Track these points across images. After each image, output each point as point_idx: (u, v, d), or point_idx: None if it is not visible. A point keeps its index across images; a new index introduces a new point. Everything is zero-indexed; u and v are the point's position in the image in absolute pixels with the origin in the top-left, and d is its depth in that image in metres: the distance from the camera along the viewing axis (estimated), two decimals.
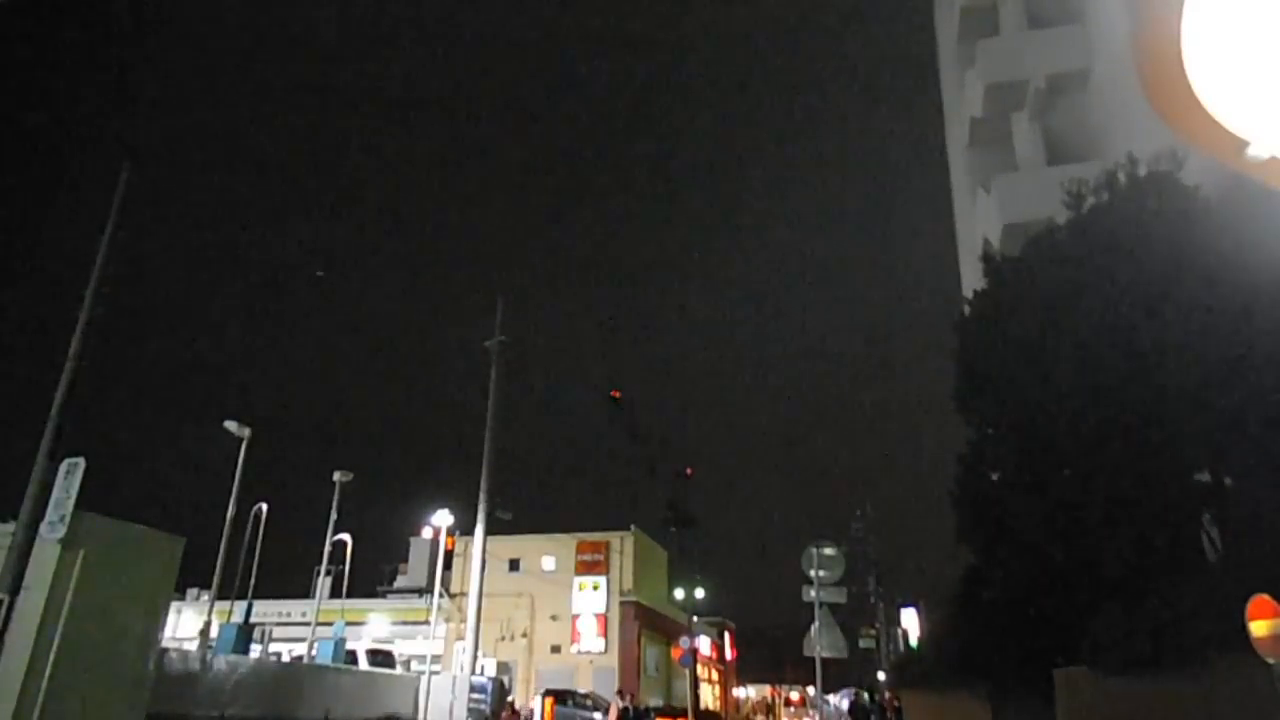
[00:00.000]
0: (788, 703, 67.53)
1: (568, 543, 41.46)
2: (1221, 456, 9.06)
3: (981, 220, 21.63)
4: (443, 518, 28.05)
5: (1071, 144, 20.35)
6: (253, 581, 25.56)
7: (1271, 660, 6.18)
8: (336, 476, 26.63)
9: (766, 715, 51.72)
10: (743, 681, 68.20)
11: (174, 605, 24.39)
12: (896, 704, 31.77)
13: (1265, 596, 6.24)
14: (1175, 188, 10.25)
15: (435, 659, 23.80)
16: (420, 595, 40.49)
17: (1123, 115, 16.93)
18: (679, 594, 39.29)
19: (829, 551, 14.48)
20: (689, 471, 36.26)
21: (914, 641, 38.13)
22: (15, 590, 9.56)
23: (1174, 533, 9.57)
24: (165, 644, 12.26)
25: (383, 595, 45.04)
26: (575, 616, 40.28)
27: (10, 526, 9.99)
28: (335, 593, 31.97)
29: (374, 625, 40.40)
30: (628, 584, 41.00)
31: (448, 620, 36.57)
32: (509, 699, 18.23)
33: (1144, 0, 1.44)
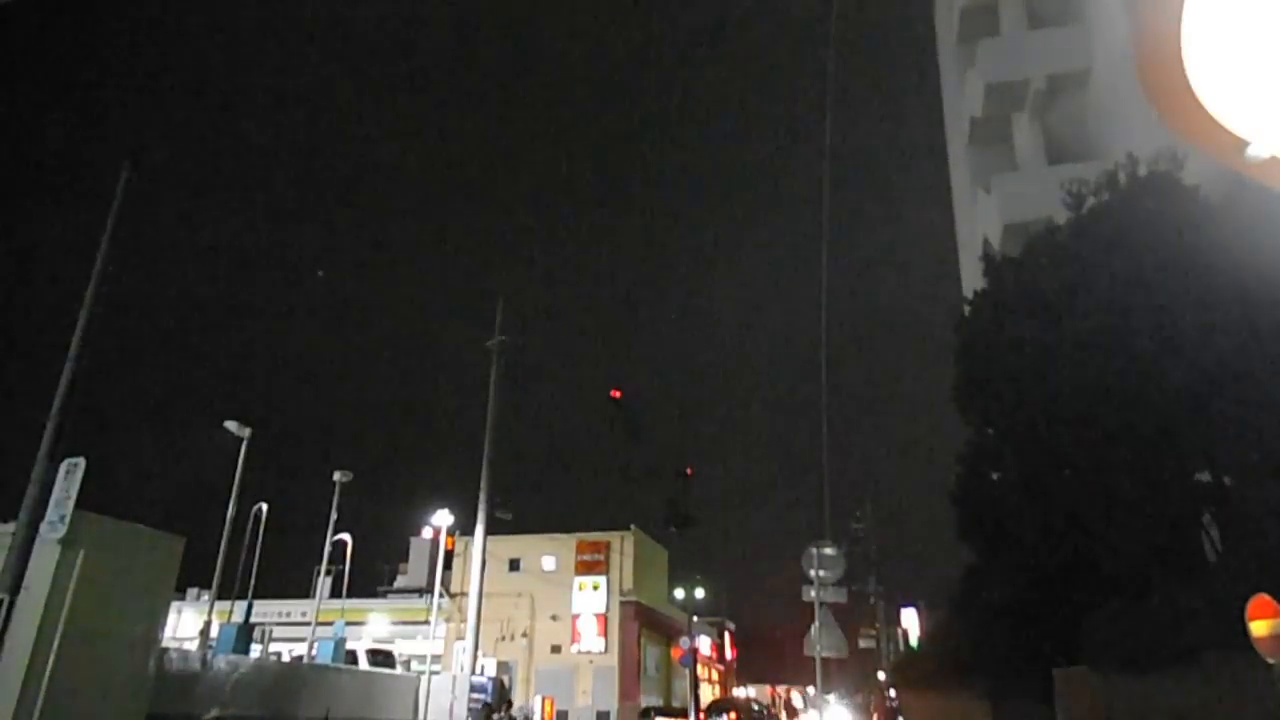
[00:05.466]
0: (787, 705, 67.55)
1: (568, 543, 41.47)
2: (1221, 456, 9.06)
3: (981, 220, 21.63)
4: (443, 518, 28.07)
5: (1071, 144, 20.36)
6: (253, 581, 25.59)
7: (1271, 660, 6.19)
8: (336, 476, 26.66)
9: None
10: (743, 681, 68.20)
11: (174, 605, 24.40)
12: (895, 704, 31.75)
13: (1265, 596, 6.24)
14: (1175, 188, 10.25)
15: (435, 659, 23.80)
16: (420, 595, 40.51)
17: (1123, 115, 16.93)
18: (679, 594, 39.27)
19: (829, 551, 14.49)
20: (689, 471, 36.23)
21: (914, 641, 38.11)
22: (15, 590, 9.56)
23: (1174, 533, 9.57)
24: (165, 644, 12.25)
25: (383, 595, 45.05)
26: (575, 616, 40.28)
27: (10, 526, 9.99)
28: (335, 593, 32.00)
29: (374, 625, 40.41)
30: (628, 584, 41.00)
31: (448, 620, 36.58)
32: None
33: (1144, 0, 1.44)
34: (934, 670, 18.85)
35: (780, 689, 73.43)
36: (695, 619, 35.71)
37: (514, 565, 41.24)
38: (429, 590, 32.53)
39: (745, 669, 67.74)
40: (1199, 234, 9.05)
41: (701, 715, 33.92)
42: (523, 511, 27.76)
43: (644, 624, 41.36)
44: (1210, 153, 1.50)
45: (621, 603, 40.40)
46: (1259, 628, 6.23)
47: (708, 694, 47.54)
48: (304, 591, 37.93)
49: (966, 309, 13.07)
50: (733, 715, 37.81)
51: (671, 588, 42.45)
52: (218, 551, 20.69)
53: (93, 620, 9.89)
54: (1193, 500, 9.61)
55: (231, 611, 24.51)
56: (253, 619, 22.23)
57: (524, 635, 40.08)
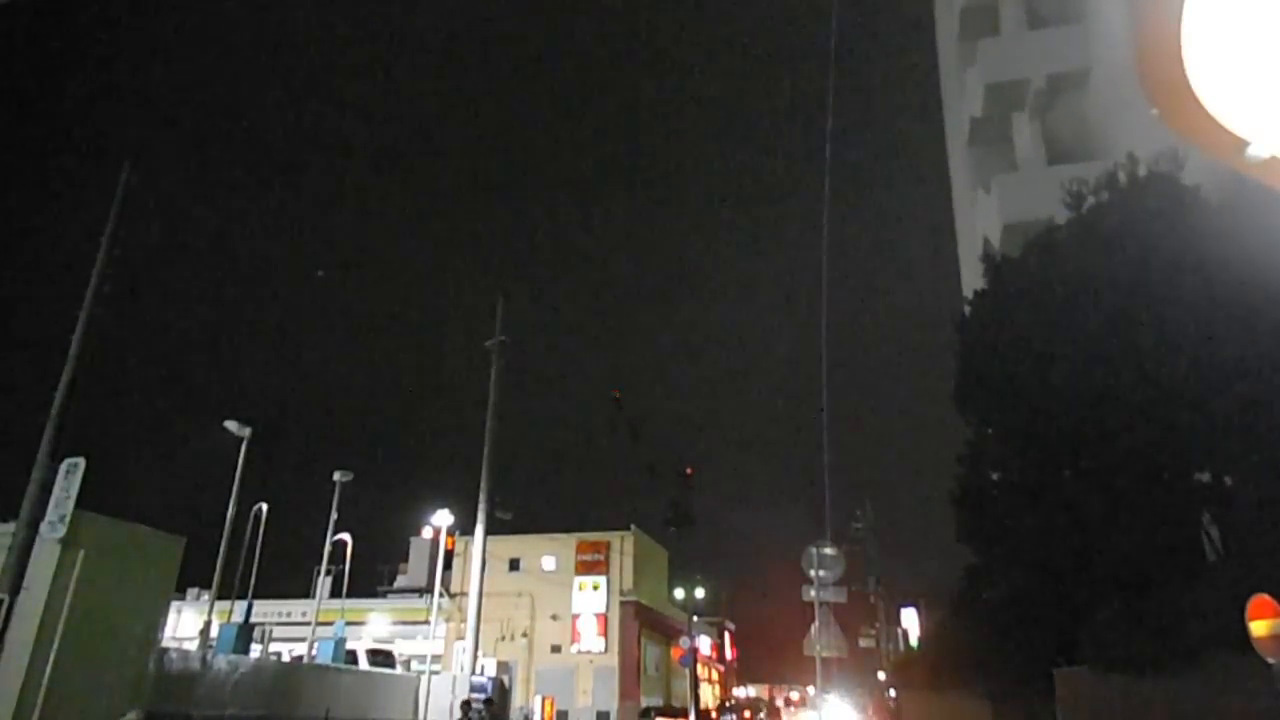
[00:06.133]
0: (787, 702, 67.87)
1: (568, 543, 41.45)
2: (1221, 456, 9.05)
3: (981, 220, 21.63)
4: (443, 518, 28.06)
5: (1071, 144, 20.35)
6: (253, 581, 25.58)
7: (1271, 660, 6.19)
8: (336, 476, 26.65)
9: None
10: (743, 681, 68.28)
11: (174, 605, 24.39)
12: (895, 705, 31.75)
13: (1265, 596, 6.25)
14: (1175, 188, 10.25)
15: (435, 659, 23.80)
16: (420, 595, 40.49)
17: (1123, 115, 16.93)
18: (679, 594, 39.30)
19: (829, 551, 14.49)
20: (689, 471, 36.25)
21: (914, 641, 38.07)
22: (15, 590, 9.57)
23: (1174, 533, 9.57)
24: (165, 644, 12.25)
25: (383, 595, 45.04)
26: (575, 616, 40.27)
27: (10, 526, 9.99)
28: (335, 593, 31.98)
29: (374, 625, 40.40)
30: (628, 584, 40.99)
31: (448, 620, 36.57)
32: None
33: (1144, 0, 1.44)
34: (934, 670, 18.85)
35: (773, 689, 73.62)
36: (695, 619, 35.77)
37: (514, 565, 41.22)
38: (429, 590, 32.53)
39: (745, 669, 67.78)
40: (1199, 234, 9.05)
41: (715, 714, 36.38)
42: (523, 511, 27.78)
43: (644, 624, 41.35)
44: (1210, 153, 1.50)
45: (621, 603, 40.38)
46: (1259, 628, 6.23)
47: (708, 694, 47.56)
48: (304, 591, 37.91)
49: (966, 309, 13.07)
50: (746, 714, 41.64)
51: (671, 588, 42.47)
52: (218, 551, 20.70)
53: (93, 620, 9.89)
54: (1193, 500, 9.61)
55: (231, 611, 24.49)
56: (253, 619, 22.22)
57: (524, 635, 40.07)
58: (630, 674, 39.34)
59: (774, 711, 55.92)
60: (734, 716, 40.77)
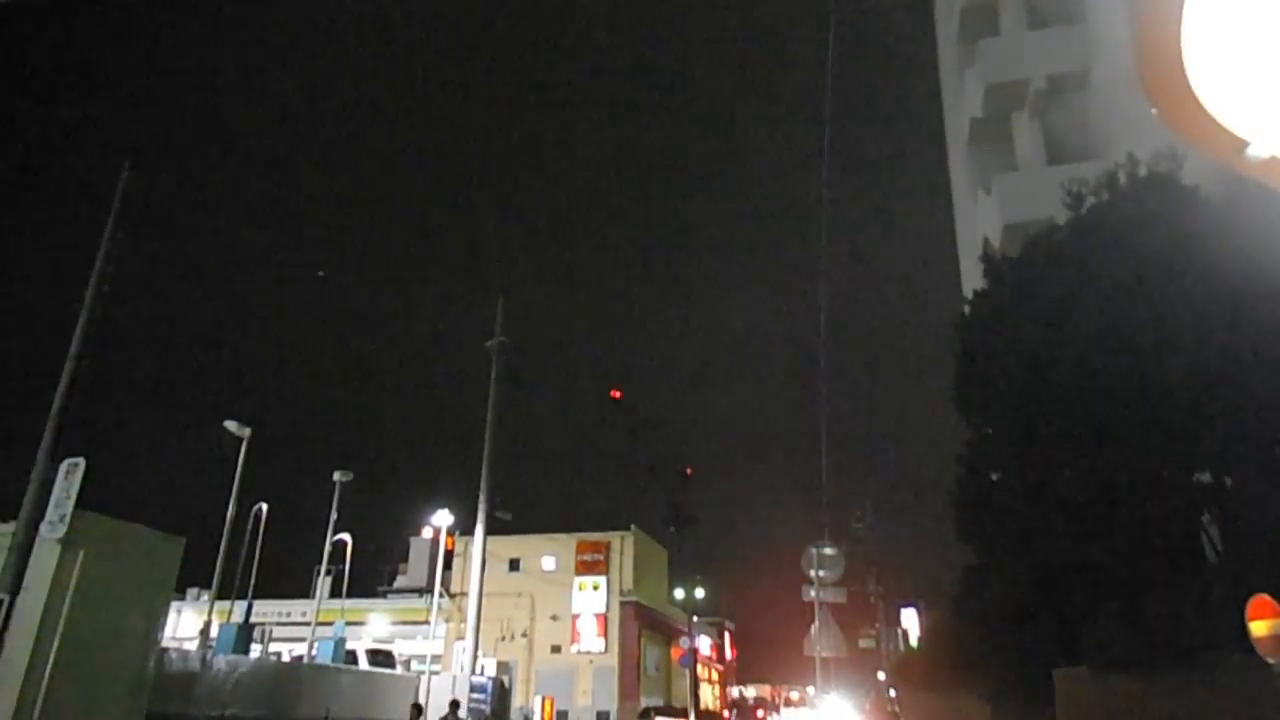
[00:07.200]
0: (787, 701, 67.93)
1: (568, 543, 41.45)
2: (1221, 456, 9.05)
3: (981, 220, 21.62)
4: (443, 518, 28.07)
5: (1071, 144, 20.35)
6: (253, 581, 25.60)
7: (1271, 660, 6.19)
8: (336, 476, 26.66)
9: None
10: (743, 681, 68.30)
11: (174, 605, 24.40)
12: (895, 708, 31.75)
13: (1265, 596, 6.25)
14: (1175, 188, 10.25)
15: (435, 659, 23.80)
16: (420, 595, 40.49)
17: (1123, 115, 16.93)
18: (679, 594, 39.31)
19: (829, 551, 14.52)
20: (689, 471, 36.26)
21: (914, 641, 38.08)
22: (15, 590, 9.56)
23: (1174, 533, 9.57)
24: (165, 644, 12.25)
25: (383, 595, 45.04)
26: (575, 616, 40.27)
27: (10, 526, 9.99)
28: (335, 593, 31.99)
29: (374, 625, 40.41)
30: (628, 584, 40.98)
31: (448, 620, 36.57)
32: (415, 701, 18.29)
33: (1144, 0, 1.44)
34: (934, 670, 18.84)
35: (767, 688, 73.77)
36: (695, 619, 35.79)
37: (514, 565, 41.22)
38: (429, 590, 32.54)
39: (745, 669, 67.81)
40: (1198, 234, 9.05)
41: (726, 712, 38.15)
42: (523, 511, 27.81)
43: (644, 624, 41.35)
44: (1210, 153, 1.50)
45: (621, 603, 40.38)
46: (1259, 628, 6.23)
47: (708, 694, 47.54)
48: (304, 591, 37.93)
49: (966, 309, 13.06)
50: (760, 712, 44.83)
51: (671, 588, 42.47)
52: (218, 551, 20.71)
53: (93, 620, 9.88)
54: (1193, 500, 9.60)
55: (231, 611, 24.52)
56: (253, 619, 22.24)
57: (524, 635, 40.07)
58: (630, 674, 39.34)
59: (747, 711, 55.53)
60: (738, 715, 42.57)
